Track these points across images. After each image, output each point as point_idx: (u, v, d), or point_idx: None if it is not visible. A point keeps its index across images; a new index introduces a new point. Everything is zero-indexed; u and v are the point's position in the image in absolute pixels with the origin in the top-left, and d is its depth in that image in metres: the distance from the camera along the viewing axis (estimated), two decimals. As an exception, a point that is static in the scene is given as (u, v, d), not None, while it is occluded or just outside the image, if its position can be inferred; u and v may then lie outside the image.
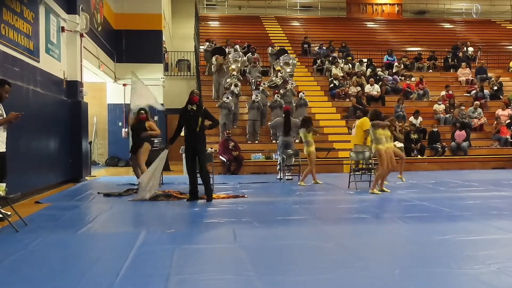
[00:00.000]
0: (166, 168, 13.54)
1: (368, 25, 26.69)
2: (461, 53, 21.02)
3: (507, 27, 26.51)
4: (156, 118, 17.19)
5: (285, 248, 4.81)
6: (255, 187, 10.10)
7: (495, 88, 18.41)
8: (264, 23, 25.08)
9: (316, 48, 21.01)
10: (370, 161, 9.81)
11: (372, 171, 9.65)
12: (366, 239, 5.19)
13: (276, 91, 15.35)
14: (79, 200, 8.41)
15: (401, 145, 12.68)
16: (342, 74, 18.33)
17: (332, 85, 17.77)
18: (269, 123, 13.04)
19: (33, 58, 9.29)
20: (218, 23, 25.85)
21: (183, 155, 13.29)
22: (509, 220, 6.12)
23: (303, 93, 15.34)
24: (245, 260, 4.29)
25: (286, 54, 17.76)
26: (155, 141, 11.32)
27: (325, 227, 5.80)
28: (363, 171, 10.17)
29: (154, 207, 7.53)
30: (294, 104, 14.95)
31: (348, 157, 10.68)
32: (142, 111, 9.68)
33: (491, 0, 28.12)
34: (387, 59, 20.34)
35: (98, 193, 9.01)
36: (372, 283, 3.67)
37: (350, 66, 19.32)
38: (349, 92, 17.35)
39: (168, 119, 18.30)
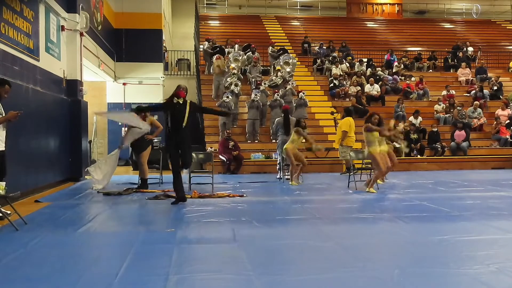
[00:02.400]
0: (166, 167, 13.54)
1: (368, 25, 26.69)
2: (461, 53, 21.02)
3: (507, 27, 26.52)
4: (156, 117, 17.19)
5: (284, 247, 4.81)
6: (254, 187, 10.10)
7: (495, 88, 18.41)
8: (264, 23, 25.09)
9: (316, 48, 21.01)
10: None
11: (371, 171, 9.66)
12: (365, 239, 5.19)
13: (276, 90, 15.36)
14: (78, 199, 8.41)
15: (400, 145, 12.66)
16: (340, 73, 18.32)
17: (332, 84, 17.77)
18: (272, 129, 12.72)
19: (33, 57, 9.29)
20: (218, 22, 25.85)
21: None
22: (508, 220, 6.12)
23: (303, 92, 15.34)
24: (244, 260, 4.29)
25: (286, 54, 17.75)
26: (155, 140, 11.33)
27: (325, 227, 5.80)
28: (356, 171, 10.15)
29: (154, 206, 7.53)
30: (294, 104, 14.95)
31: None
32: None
33: (491, 0, 28.12)
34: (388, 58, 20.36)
35: (98, 192, 9.01)
36: (371, 283, 3.67)
37: (348, 65, 19.30)
38: (349, 92, 17.36)
39: (167, 118, 18.28)
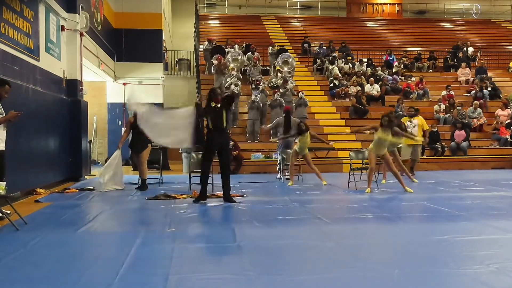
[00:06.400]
0: (166, 167, 13.55)
1: (368, 25, 26.71)
2: (461, 53, 21.02)
3: (507, 27, 26.53)
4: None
5: (284, 247, 4.81)
6: (254, 187, 10.10)
7: (489, 89, 18.38)
8: (264, 23, 25.11)
9: (316, 48, 21.02)
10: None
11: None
12: (365, 239, 5.20)
13: (277, 90, 15.36)
14: (78, 199, 8.41)
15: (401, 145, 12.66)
16: (338, 73, 18.34)
17: (332, 84, 17.77)
18: (269, 125, 12.94)
19: (33, 57, 9.29)
20: (218, 22, 25.87)
21: (183, 154, 13.36)
22: (508, 220, 6.12)
23: (303, 92, 15.33)
24: (244, 260, 4.30)
25: (285, 53, 17.74)
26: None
27: (325, 227, 5.80)
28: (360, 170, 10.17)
29: (154, 206, 7.53)
30: (294, 104, 14.96)
31: (348, 157, 10.70)
32: None
33: (491, 0, 28.14)
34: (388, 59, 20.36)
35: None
36: (371, 283, 3.67)
37: (350, 66, 19.33)
38: (349, 92, 17.36)
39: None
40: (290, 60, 17.14)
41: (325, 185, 10.15)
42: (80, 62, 11.78)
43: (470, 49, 21.82)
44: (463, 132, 15.17)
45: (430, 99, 17.95)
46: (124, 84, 17.21)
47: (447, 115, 16.67)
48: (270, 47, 19.26)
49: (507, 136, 15.56)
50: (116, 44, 16.78)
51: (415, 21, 27.77)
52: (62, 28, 11.18)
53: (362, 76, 18.33)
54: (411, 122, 11.99)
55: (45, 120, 9.76)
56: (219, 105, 7.74)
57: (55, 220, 6.38)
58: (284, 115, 11.83)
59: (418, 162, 12.24)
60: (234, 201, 7.71)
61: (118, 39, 16.91)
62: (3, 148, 6.19)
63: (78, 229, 5.68)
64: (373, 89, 17.50)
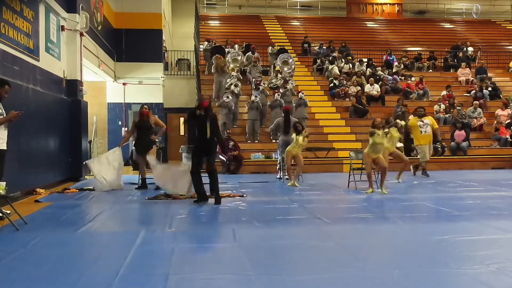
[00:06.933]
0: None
1: (368, 25, 26.71)
2: (461, 53, 21.02)
3: (507, 27, 26.54)
4: (156, 116, 17.22)
5: (284, 247, 4.81)
6: (254, 187, 10.10)
7: (489, 89, 18.37)
8: (264, 23, 25.11)
9: (316, 48, 21.02)
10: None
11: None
12: (365, 239, 5.20)
13: (277, 91, 15.37)
14: (78, 199, 8.41)
15: (401, 144, 12.68)
16: (338, 74, 18.35)
17: (332, 84, 17.77)
18: (269, 128, 12.93)
19: (33, 57, 9.29)
20: (218, 22, 25.87)
21: (183, 154, 13.37)
22: (508, 220, 6.12)
23: (303, 92, 15.33)
24: (244, 260, 4.30)
25: (285, 53, 17.73)
26: (156, 140, 11.32)
27: (325, 227, 5.80)
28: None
29: (154, 206, 7.53)
30: (294, 104, 14.96)
31: (348, 157, 10.70)
32: (145, 106, 9.72)
33: (491, 0, 28.14)
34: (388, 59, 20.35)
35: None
36: (371, 283, 3.67)
37: (350, 66, 19.33)
38: (349, 92, 17.36)
39: (168, 118, 18.28)
40: (290, 60, 17.15)
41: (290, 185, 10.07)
42: (80, 62, 11.78)
43: (470, 49, 21.82)
44: (463, 132, 15.17)
45: (430, 99, 17.95)
46: (124, 84, 17.23)
47: (447, 115, 16.67)
48: (270, 47, 19.26)
49: (507, 136, 15.56)
50: (116, 44, 16.79)
51: (415, 21, 27.78)
52: (62, 28, 11.18)
53: (362, 76, 18.33)
54: (422, 122, 11.93)
55: (45, 120, 9.76)
56: (202, 113, 7.59)
57: (55, 220, 6.38)
58: (284, 115, 11.81)
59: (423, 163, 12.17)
60: (220, 203, 7.50)
61: (118, 39, 16.91)
62: (5, 148, 6.20)
63: (78, 229, 5.68)
64: (373, 89, 17.50)
